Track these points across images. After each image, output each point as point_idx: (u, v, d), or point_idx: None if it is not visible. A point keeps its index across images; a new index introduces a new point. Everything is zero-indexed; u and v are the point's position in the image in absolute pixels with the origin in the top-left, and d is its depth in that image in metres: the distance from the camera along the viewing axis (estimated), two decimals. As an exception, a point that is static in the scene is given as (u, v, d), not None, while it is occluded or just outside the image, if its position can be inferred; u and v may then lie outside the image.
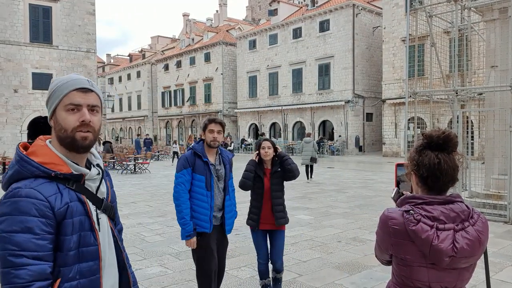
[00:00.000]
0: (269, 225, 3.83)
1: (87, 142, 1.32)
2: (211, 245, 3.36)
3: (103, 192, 1.41)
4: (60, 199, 1.24)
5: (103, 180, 1.42)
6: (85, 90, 1.33)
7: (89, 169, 1.38)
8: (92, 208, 1.34)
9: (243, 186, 3.76)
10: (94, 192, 1.37)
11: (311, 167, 14.22)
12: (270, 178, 3.83)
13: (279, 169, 3.83)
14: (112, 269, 1.41)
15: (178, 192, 3.31)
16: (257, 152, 3.84)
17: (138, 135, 34.16)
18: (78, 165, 1.33)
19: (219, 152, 3.52)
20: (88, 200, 1.33)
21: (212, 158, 3.44)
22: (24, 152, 1.28)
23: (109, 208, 1.43)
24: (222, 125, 3.40)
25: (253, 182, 3.81)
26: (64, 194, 1.26)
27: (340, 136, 30.64)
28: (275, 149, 3.84)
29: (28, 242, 1.15)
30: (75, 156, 1.34)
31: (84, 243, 1.28)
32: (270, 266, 3.95)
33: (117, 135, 56.03)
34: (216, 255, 3.41)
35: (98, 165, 1.43)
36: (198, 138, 3.55)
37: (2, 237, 1.16)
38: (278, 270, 3.89)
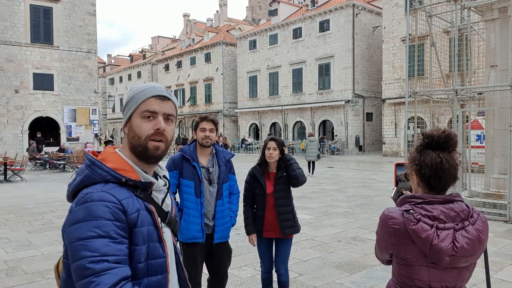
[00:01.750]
0: (274, 233, 3.50)
1: (159, 152, 1.27)
2: (196, 256, 3.11)
3: (168, 204, 1.35)
4: (132, 204, 1.19)
5: (168, 193, 1.37)
6: (162, 98, 1.28)
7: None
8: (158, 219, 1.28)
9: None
10: (160, 204, 1.31)
11: (313, 163, 15.66)
12: (274, 183, 3.46)
13: (285, 174, 3.44)
14: (175, 286, 1.33)
15: None
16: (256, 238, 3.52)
17: None
18: (146, 173, 1.28)
19: (214, 151, 3.23)
20: (155, 210, 1.27)
21: (204, 160, 3.17)
22: (97, 157, 1.24)
23: (174, 222, 1.36)
24: (214, 123, 3.15)
25: (253, 188, 3.52)
26: (135, 201, 1.21)
27: (336, 135, 30.72)
28: (282, 151, 3.46)
29: (107, 246, 1.08)
30: (143, 166, 1.28)
31: (152, 255, 1.21)
32: (274, 275, 3.71)
33: (111, 135, 55.55)
34: (200, 266, 3.17)
35: (164, 176, 1.38)
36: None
37: (78, 246, 1.08)
38: (284, 284, 3.57)
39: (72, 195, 1.22)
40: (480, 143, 10.95)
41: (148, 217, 1.22)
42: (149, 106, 1.25)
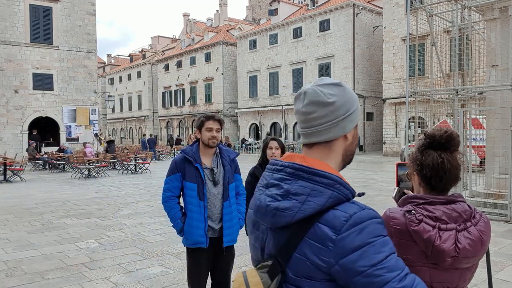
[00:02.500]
0: None
1: None
2: (201, 262, 2.98)
3: None
4: None
5: None
6: None
7: None
8: None
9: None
10: None
11: None
12: None
13: None
14: None
15: (164, 199, 3.09)
16: None
17: (143, 135, 36.11)
18: None
19: (218, 151, 3.07)
20: None
21: (207, 160, 3.02)
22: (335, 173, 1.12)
23: None
24: (221, 123, 3.03)
25: (254, 188, 3.51)
26: None
27: None
28: (283, 151, 3.48)
29: (399, 260, 1.03)
30: None
31: None
32: None
33: (109, 134, 55.44)
34: (206, 271, 3.04)
35: None
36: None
37: (375, 272, 0.98)
38: None
39: (300, 218, 1.06)
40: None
41: None
42: None
